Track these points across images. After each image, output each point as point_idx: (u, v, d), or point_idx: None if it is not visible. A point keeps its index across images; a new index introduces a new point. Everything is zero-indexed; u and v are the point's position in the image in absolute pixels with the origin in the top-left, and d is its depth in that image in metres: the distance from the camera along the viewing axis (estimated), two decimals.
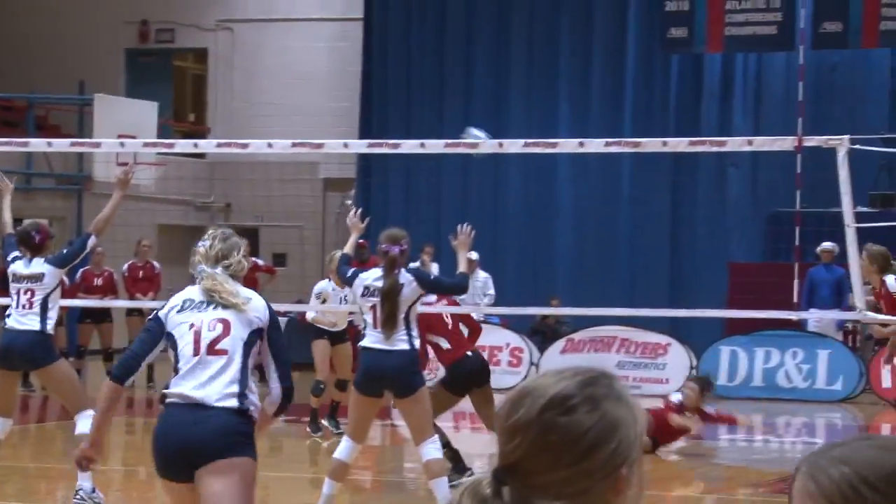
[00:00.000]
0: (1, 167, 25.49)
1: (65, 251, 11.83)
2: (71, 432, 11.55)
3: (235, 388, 7.14)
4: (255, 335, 7.31)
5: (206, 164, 28.80)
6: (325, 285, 16.40)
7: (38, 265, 11.42)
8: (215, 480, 7.02)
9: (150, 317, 7.58)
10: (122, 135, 22.03)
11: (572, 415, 2.58)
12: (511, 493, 2.56)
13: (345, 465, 11.06)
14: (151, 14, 30.18)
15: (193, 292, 7.40)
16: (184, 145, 19.60)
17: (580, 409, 2.59)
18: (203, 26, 30.12)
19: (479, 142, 13.73)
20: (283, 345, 7.49)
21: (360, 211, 12.09)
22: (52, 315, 11.48)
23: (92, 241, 11.58)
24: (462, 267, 11.52)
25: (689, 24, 24.88)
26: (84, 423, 10.86)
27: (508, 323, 23.19)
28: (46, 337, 11.42)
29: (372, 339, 10.77)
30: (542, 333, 23.68)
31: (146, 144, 19.78)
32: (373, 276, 10.86)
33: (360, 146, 20.59)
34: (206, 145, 20.40)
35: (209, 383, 7.12)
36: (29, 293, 11.35)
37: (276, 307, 20.76)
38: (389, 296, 10.61)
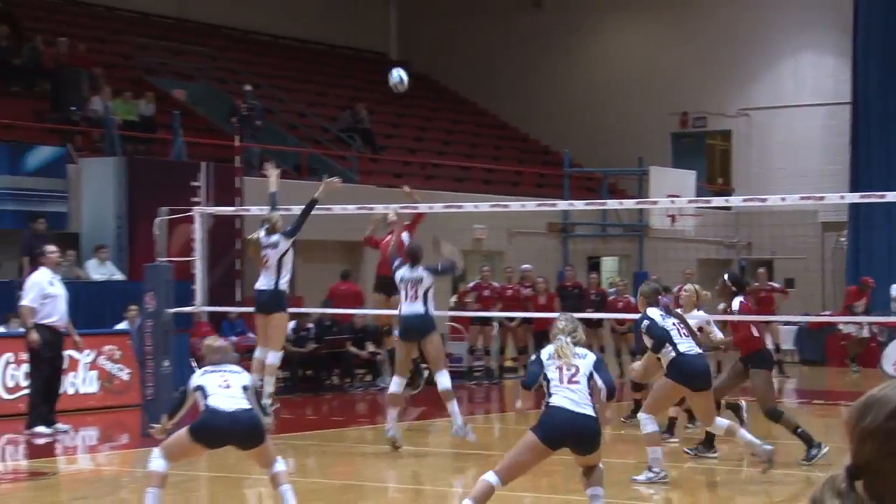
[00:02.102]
0: (585, 220, 26.70)
1: None
2: None
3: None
4: (589, 375, 8.40)
5: (732, 215, 28.68)
6: None
7: None
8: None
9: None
10: (671, 194, 22.43)
11: None
12: (864, 488, 2.13)
13: None
14: (689, 106, 30.44)
15: (551, 349, 8.53)
16: (717, 201, 19.61)
17: None
18: (727, 114, 30.11)
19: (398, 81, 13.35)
20: (604, 367, 8.56)
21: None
22: None
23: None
24: None
25: None
26: None
27: None
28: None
29: None
30: None
31: (690, 201, 20.05)
32: None
33: (854, 197, 20.25)
34: (734, 200, 20.31)
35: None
36: None
37: (790, 318, 20.51)
38: None
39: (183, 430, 8.35)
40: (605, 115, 30.66)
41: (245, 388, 8.42)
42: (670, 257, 25.15)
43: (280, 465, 8.58)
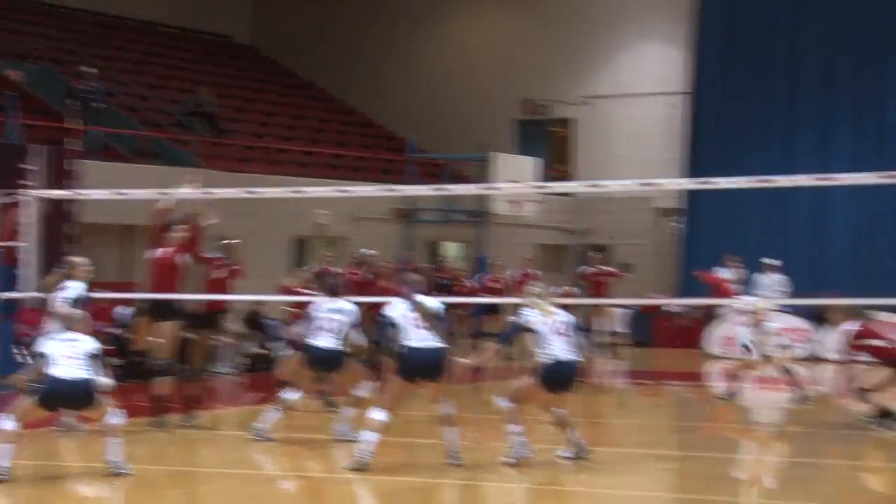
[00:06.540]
0: (428, 206, 26.75)
1: None
2: None
3: None
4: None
5: (573, 201, 28.76)
6: None
7: None
8: None
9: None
10: (513, 180, 22.61)
11: None
12: None
13: None
14: (532, 94, 30.55)
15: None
16: (557, 187, 19.97)
17: None
18: (569, 102, 30.25)
19: None
20: None
21: None
22: None
23: None
24: None
25: None
26: None
27: None
28: None
29: None
30: None
31: (530, 187, 20.26)
32: None
33: (688, 184, 20.70)
34: (574, 187, 20.66)
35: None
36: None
37: (618, 301, 20.85)
38: None
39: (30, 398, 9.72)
40: (452, 101, 30.75)
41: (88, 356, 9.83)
42: (511, 242, 25.37)
43: (113, 418, 9.94)
